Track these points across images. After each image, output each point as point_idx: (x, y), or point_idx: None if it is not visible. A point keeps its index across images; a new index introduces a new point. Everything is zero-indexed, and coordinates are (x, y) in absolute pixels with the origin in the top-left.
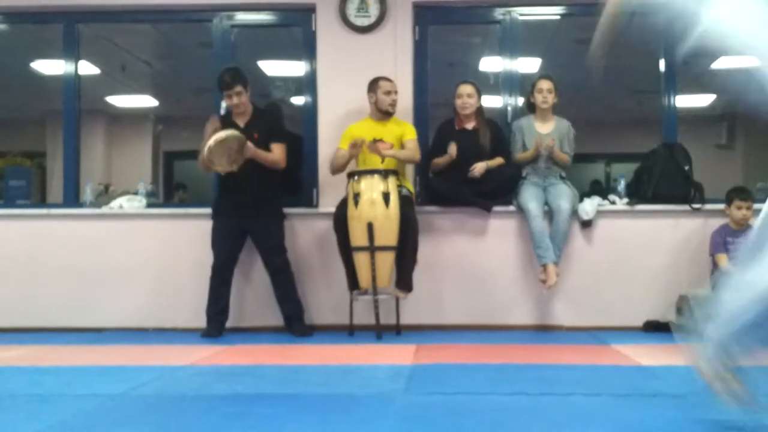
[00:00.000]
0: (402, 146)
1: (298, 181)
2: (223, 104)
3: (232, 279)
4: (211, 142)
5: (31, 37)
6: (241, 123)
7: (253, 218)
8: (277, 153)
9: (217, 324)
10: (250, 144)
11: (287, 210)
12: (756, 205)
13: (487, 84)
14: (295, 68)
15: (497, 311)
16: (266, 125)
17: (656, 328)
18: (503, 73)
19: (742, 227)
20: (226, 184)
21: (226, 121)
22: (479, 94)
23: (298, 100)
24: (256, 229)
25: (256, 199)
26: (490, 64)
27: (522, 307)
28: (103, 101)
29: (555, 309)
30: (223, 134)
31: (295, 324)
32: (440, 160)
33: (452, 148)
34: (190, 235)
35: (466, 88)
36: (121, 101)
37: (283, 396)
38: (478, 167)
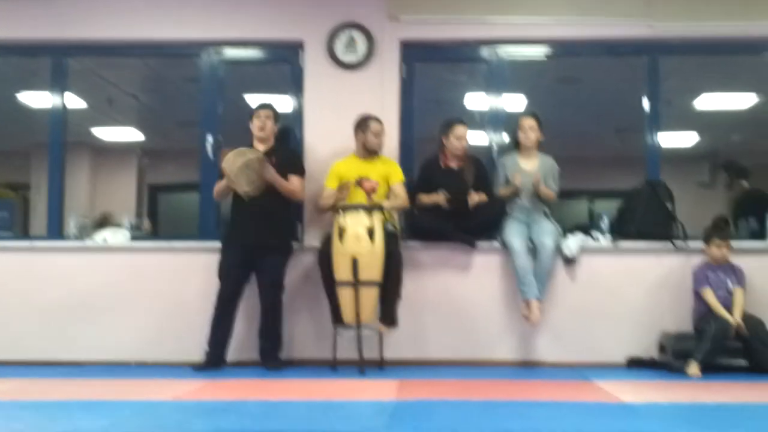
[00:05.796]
0: (389, 189)
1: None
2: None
3: (236, 312)
4: (235, 158)
5: (18, 69)
6: (261, 149)
7: (261, 253)
8: (295, 183)
9: (214, 356)
10: (270, 166)
11: None
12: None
13: (472, 121)
14: (282, 102)
15: (481, 347)
16: (285, 155)
17: (639, 365)
18: (489, 111)
19: (721, 264)
20: (235, 217)
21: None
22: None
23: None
24: (262, 264)
25: (264, 234)
26: (476, 101)
27: (505, 343)
28: (88, 134)
29: (538, 345)
30: (243, 151)
31: (269, 357)
32: (428, 200)
33: (443, 199)
34: (173, 269)
35: (462, 130)
36: (106, 134)
37: None
38: (478, 196)
